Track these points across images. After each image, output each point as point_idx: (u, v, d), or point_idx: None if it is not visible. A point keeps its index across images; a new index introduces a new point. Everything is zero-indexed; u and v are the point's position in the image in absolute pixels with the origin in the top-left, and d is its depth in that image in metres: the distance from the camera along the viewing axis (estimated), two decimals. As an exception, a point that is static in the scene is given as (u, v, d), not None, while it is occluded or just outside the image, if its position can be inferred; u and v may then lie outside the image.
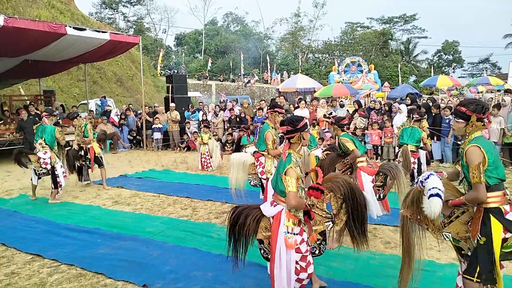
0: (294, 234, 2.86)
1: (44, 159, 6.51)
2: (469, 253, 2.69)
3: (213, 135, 10.76)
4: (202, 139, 9.72)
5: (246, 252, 3.06)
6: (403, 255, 2.94)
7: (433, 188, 2.54)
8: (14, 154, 6.82)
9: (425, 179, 2.64)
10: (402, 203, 2.95)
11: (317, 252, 3.12)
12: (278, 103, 11.18)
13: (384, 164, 4.89)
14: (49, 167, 6.54)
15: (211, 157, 9.59)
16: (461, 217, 2.71)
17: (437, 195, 2.51)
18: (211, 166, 9.55)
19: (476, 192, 2.52)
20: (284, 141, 3.05)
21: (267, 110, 5.69)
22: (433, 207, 2.52)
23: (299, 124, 2.99)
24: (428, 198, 2.55)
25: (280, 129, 3.06)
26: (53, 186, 6.66)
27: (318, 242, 3.11)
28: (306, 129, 3.03)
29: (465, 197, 2.61)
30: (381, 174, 4.60)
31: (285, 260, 2.83)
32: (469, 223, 2.68)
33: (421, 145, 6.38)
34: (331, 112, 10.49)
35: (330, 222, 3.14)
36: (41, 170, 6.53)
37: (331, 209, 3.21)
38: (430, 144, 6.70)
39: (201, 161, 9.54)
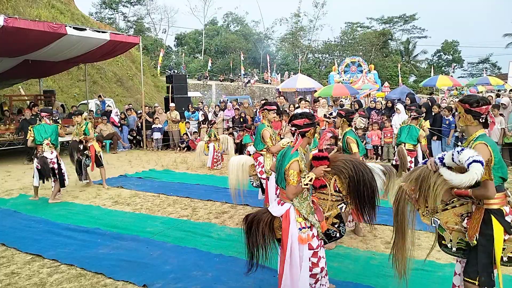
0: (308, 228, 2.88)
1: (51, 159, 6.54)
2: (449, 245, 2.68)
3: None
4: (215, 136, 9.73)
5: (265, 257, 3.05)
6: (395, 230, 2.89)
7: (476, 155, 2.41)
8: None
9: (458, 152, 2.49)
10: (404, 177, 2.91)
11: (337, 235, 3.16)
12: (278, 103, 11.24)
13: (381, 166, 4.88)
14: (56, 166, 6.56)
15: (222, 152, 9.70)
16: (457, 208, 2.68)
17: (480, 161, 2.38)
18: (220, 163, 9.62)
19: (485, 188, 2.47)
20: (296, 135, 3.02)
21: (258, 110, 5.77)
22: (474, 172, 2.37)
23: (315, 118, 3.04)
24: (469, 164, 2.40)
25: (296, 122, 3.02)
26: (55, 186, 6.68)
27: (336, 225, 3.14)
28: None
29: (473, 191, 2.53)
30: None
31: (297, 258, 2.84)
32: (464, 218, 2.65)
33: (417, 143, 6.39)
34: (331, 112, 10.48)
35: (343, 204, 3.15)
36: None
37: (339, 192, 3.21)
38: (425, 145, 6.71)
39: (213, 159, 9.54)
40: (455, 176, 2.49)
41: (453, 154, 2.53)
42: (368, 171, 3.15)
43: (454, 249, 2.68)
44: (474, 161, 2.39)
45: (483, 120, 2.62)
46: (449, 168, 2.58)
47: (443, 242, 2.73)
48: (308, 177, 2.92)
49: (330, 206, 3.11)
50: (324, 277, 3.03)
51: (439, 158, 2.63)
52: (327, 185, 3.11)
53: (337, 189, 3.16)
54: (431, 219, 2.73)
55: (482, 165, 2.39)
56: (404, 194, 2.83)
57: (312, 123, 3.01)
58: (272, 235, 2.99)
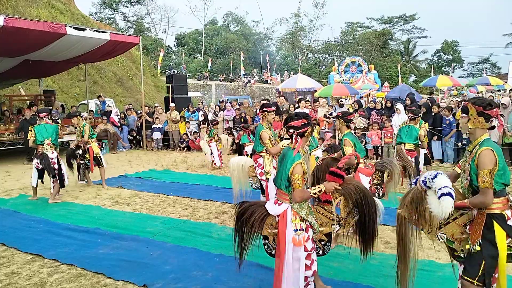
0: (303, 230, 2.88)
1: (52, 158, 6.54)
2: (462, 255, 2.65)
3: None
4: (216, 135, 9.76)
5: (247, 248, 3.06)
6: (399, 255, 2.90)
7: (444, 187, 2.45)
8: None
9: (431, 179, 2.54)
10: (400, 202, 2.91)
11: (320, 252, 3.15)
12: (278, 103, 11.23)
13: (379, 161, 4.86)
14: (56, 166, 6.57)
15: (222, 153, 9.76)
16: (458, 219, 2.68)
17: (449, 194, 2.42)
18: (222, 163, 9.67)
19: (484, 196, 2.46)
20: (295, 136, 3.00)
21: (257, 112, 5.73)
22: (444, 206, 2.42)
23: (311, 117, 3.04)
24: (439, 198, 2.45)
25: (294, 123, 3.00)
26: (55, 186, 6.67)
27: (322, 243, 3.12)
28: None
29: (470, 200, 2.54)
30: (377, 172, 4.59)
31: (291, 258, 2.85)
32: (467, 226, 2.66)
33: (419, 142, 6.37)
34: (331, 112, 10.48)
35: (337, 225, 3.12)
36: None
37: (339, 212, 3.18)
38: (427, 142, 6.67)
39: (220, 157, 9.62)
40: (433, 207, 2.51)
41: (428, 180, 2.56)
42: (374, 204, 3.14)
43: None
44: (443, 194, 2.41)
45: (487, 120, 2.62)
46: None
47: (455, 253, 2.71)
48: (318, 187, 2.95)
49: (325, 223, 3.09)
50: (312, 281, 3.03)
51: (422, 181, 2.65)
52: (332, 201, 3.09)
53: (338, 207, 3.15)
54: (437, 235, 2.72)
55: (452, 197, 2.41)
56: (403, 219, 2.83)
57: (309, 122, 3.01)
58: (259, 229, 2.99)
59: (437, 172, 2.59)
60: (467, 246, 2.62)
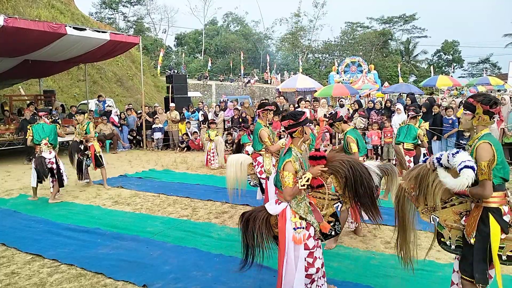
0: (303, 228, 2.88)
1: (49, 159, 6.53)
2: (448, 243, 2.70)
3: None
4: (209, 136, 9.83)
5: (262, 256, 3.05)
6: (398, 227, 2.95)
7: (468, 160, 2.47)
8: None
9: (453, 154, 2.55)
10: (404, 176, 2.93)
11: (333, 233, 3.15)
12: (278, 103, 11.24)
13: (379, 164, 4.87)
14: (54, 166, 6.55)
15: (217, 155, 9.79)
16: (456, 206, 2.70)
17: (472, 167, 2.44)
18: (215, 163, 9.69)
19: (482, 188, 2.49)
20: (286, 136, 3.04)
21: (257, 110, 5.70)
22: (465, 178, 2.42)
23: (300, 118, 3.01)
24: (461, 170, 2.46)
25: (282, 124, 3.07)
26: (54, 186, 6.67)
27: (332, 224, 3.12)
28: (308, 123, 3.04)
29: (470, 189, 2.56)
30: None
31: (292, 257, 2.84)
32: (462, 216, 2.67)
33: (418, 142, 6.37)
34: (331, 112, 10.48)
35: (338, 203, 3.14)
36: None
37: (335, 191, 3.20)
38: (427, 141, 6.68)
39: (207, 158, 9.76)
40: (448, 180, 2.53)
41: (448, 156, 2.57)
42: (365, 170, 3.13)
43: (453, 247, 2.70)
44: (466, 166, 2.44)
45: (492, 118, 2.65)
46: (447, 168, 2.61)
47: (442, 239, 2.75)
48: (305, 177, 2.88)
49: (326, 205, 3.10)
50: (320, 278, 3.03)
51: (436, 158, 2.66)
52: (324, 184, 3.09)
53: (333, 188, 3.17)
54: (430, 217, 2.76)
55: (474, 170, 2.43)
56: (403, 192, 2.87)
57: (297, 123, 3.00)
58: (269, 232, 3.00)
59: (458, 150, 2.60)
60: (457, 237, 2.66)
